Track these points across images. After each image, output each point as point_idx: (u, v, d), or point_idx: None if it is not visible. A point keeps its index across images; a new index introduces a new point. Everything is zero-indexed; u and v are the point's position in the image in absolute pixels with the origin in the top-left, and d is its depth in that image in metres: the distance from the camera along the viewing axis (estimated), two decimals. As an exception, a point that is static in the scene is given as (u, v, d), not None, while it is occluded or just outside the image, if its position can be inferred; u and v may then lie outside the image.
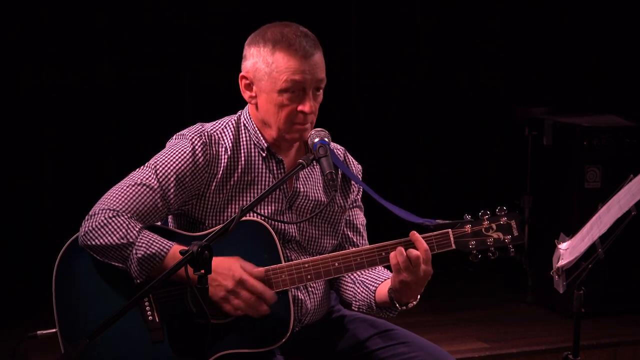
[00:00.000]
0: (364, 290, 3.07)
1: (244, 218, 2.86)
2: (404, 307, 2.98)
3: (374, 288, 3.05)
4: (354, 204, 3.17)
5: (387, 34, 6.33)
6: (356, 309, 3.11)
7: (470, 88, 6.50)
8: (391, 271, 2.92)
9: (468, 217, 2.98)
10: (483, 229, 2.97)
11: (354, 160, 3.18)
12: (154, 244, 2.81)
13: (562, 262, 3.05)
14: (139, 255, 2.79)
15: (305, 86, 2.90)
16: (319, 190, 3.07)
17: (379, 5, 6.27)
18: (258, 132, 2.99)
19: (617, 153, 5.38)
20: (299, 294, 3.00)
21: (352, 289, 3.10)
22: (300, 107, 2.90)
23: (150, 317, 2.84)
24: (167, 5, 5.80)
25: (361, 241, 3.17)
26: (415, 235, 2.88)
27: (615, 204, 2.95)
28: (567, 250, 3.07)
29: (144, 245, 2.80)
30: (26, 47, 5.58)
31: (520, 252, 5.65)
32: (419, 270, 2.86)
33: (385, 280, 3.04)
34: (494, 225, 2.98)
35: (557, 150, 5.49)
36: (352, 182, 3.13)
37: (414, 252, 2.85)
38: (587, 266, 3.06)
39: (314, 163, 2.93)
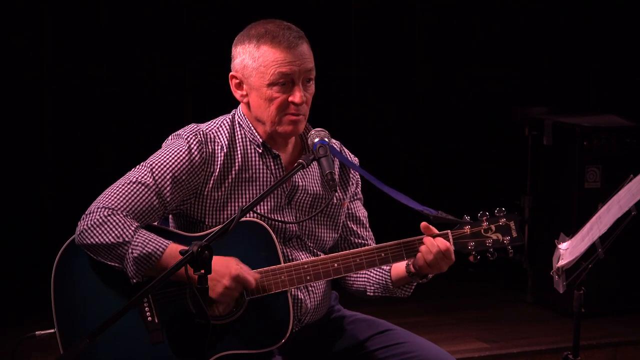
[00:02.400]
0: (378, 272, 3.09)
1: (244, 218, 2.87)
2: (424, 279, 3.00)
3: (388, 268, 3.07)
4: (355, 197, 3.17)
5: (387, 33, 6.33)
6: (371, 294, 3.12)
7: (470, 88, 6.50)
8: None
9: (467, 218, 2.99)
10: (482, 230, 2.98)
11: (350, 153, 3.19)
12: (150, 243, 2.81)
13: (562, 262, 3.05)
14: (135, 255, 2.79)
15: (294, 77, 2.91)
16: (317, 183, 3.07)
17: (379, 4, 6.27)
18: (253, 129, 3.00)
19: (617, 153, 5.37)
20: (299, 293, 3.00)
21: (364, 275, 3.12)
22: (290, 98, 2.91)
23: (149, 318, 2.84)
24: (167, 5, 5.80)
25: (365, 232, 3.18)
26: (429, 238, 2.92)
27: (615, 204, 2.95)
28: (567, 250, 3.07)
29: (140, 244, 2.80)
30: (26, 47, 5.58)
31: (520, 252, 5.65)
32: (448, 259, 2.92)
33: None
34: (493, 227, 2.98)
35: (557, 150, 5.49)
36: (351, 175, 3.14)
37: (445, 243, 2.89)
38: (587, 266, 3.06)
39: (314, 162, 2.93)
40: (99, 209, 2.84)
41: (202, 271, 2.54)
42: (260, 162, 3.00)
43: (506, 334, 5.11)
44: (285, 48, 2.89)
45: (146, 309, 2.85)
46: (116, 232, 2.80)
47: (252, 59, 2.92)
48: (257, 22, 2.99)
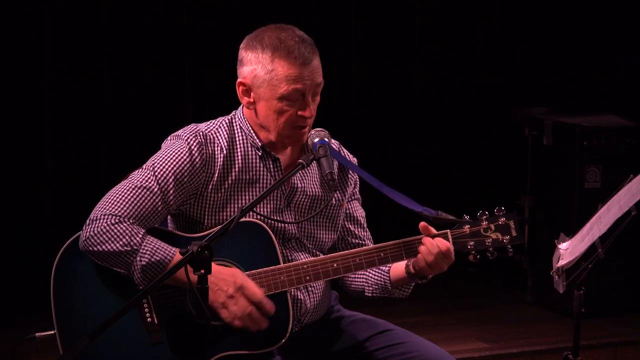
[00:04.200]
0: (377, 273, 3.09)
1: (244, 219, 2.87)
2: (423, 280, 3.01)
3: (387, 268, 3.07)
4: (353, 197, 3.17)
5: (387, 33, 6.33)
6: (370, 295, 3.12)
7: (470, 88, 6.50)
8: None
9: (467, 217, 2.99)
10: (482, 230, 2.98)
11: (349, 153, 3.19)
12: (158, 251, 2.80)
13: (562, 262, 3.05)
14: (143, 263, 2.79)
15: (305, 92, 2.90)
16: (316, 185, 3.07)
17: (379, 4, 6.27)
18: (253, 133, 2.99)
19: (617, 153, 5.38)
20: (298, 293, 3.00)
21: (362, 276, 3.12)
22: (300, 112, 2.91)
23: (149, 319, 2.84)
24: (167, 6, 5.80)
25: (363, 233, 3.18)
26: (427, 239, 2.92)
27: (615, 204, 2.95)
28: (567, 250, 3.07)
29: (148, 252, 2.80)
30: (26, 47, 5.58)
31: (520, 252, 5.65)
32: (449, 259, 2.92)
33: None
34: (492, 226, 2.98)
35: (557, 150, 5.48)
36: (349, 175, 3.14)
37: (445, 243, 2.89)
38: (587, 266, 3.06)
39: (313, 162, 2.93)
40: (105, 216, 2.83)
41: (202, 271, 2.54)
42: (261, 165, 3.00)
43: (506, 334, 5.10)
44: (300, 65, 2.88)
45: (145, 309, 2.84)
46: (124, 240, 2.80)
47: (265, 71, 2.90)
48: (267, 27, 2.95)
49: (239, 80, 2.97)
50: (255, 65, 2.92)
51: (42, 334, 2.93)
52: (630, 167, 3.39)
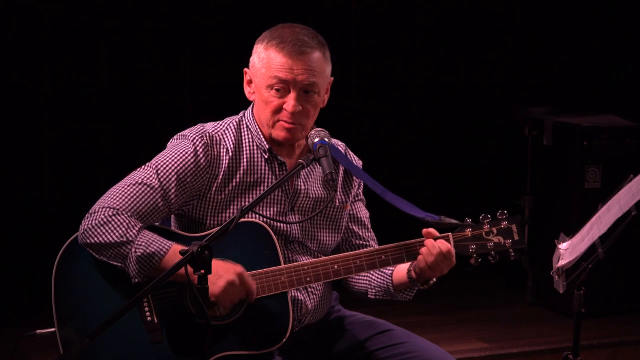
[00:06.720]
0: (380, 276, 3.09)
1: (246, 219, 2.87)
2: (425, 286, 3.01)
3: (389, 272, 3.07)
4: (356, 198, 3.17)
5: (387, 33, 6.33)
6: (372, 297, 3.12)
7: (470, 88, 6.50)
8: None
9: (469, 220, 2.98)
10: (483, 233, 2.98)
11: (354, 155, 3.19)
12: (153, 243, 2.81)
13: (562, 262, 3.05)
14: (138, 254, 2.79)
15: (290, 85, 2.89)
16: (318, 187, 3.06)
17: (379, 4, 6.27)
18: (260, 133, 2.99)
19: (617, 153, 5.38)
20: (299, 294, 2.99)
21: (365, 278, 3.12)
22: (284, 105, 2.90)
23: (149, 318, 2.84)
24: (168, 7, 5.80)
25: (367, 234, 3.18)
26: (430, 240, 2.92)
27: (615, 204, 2.95)
28: (567, 250, 3.07)
29: (143, 244, 2.80)
30: (27, 47, 5.58)
31: (520, 252, 5.64)
32: (449, 262, 2.92)
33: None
34: (494, 229, 2.98)
35: (557, 150, 5.49)
36: (354, 177, 3.13)
37: (446, 245, 2.89)
38: (587, 266, 3.05)
39: (314, 162, 2.93)
40: (104, 209, 2.83)
41: (202, 271, 2.54)
42: (266, 167, 2.99)
43: (506, 334, 5.11)
44: (287, 54, 2.88)
45: (146, 309, 2.85)
46: (120, 231, 2.80)
47: (259, 59, 2.93)
48: (283, 24, 2.97)
49: (244, 69, 2.99)
50: (254, 55, 2.96)
51: (43, 331, 2.94)
52: (630, 167, 3.39)
